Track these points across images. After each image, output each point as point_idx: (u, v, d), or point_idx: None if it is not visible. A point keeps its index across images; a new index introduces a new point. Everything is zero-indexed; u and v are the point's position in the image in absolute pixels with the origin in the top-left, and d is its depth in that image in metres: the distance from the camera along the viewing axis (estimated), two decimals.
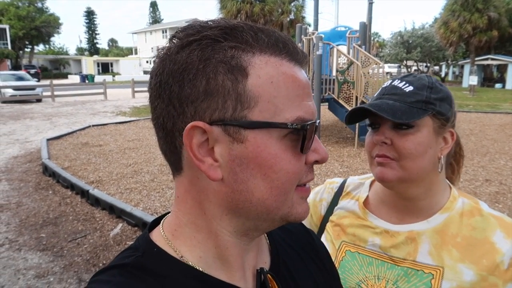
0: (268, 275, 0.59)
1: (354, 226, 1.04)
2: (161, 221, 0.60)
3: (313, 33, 9.17)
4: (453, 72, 40.10)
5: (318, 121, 0.54)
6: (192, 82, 0.49)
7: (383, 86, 0.98)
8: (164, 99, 0.51)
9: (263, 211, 0.52)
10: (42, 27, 43.84)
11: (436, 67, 40.18)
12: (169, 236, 0.56)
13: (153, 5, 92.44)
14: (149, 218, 4.38)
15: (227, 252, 0.55)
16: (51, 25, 44.88)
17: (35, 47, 49.48)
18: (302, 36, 9.24)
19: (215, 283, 0.54)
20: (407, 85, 0.93)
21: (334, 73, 8.97)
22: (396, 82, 0.95)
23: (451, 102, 0.97)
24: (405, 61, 36.12)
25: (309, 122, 0.51)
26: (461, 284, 0.89)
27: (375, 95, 0.99)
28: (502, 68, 30.77)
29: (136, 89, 21.50)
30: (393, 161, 0.91)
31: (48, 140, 8.94)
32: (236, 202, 0.52)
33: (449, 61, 37.00)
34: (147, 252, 0.55)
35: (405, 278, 0.93)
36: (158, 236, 0.57)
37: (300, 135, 0.51)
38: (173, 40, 0.52)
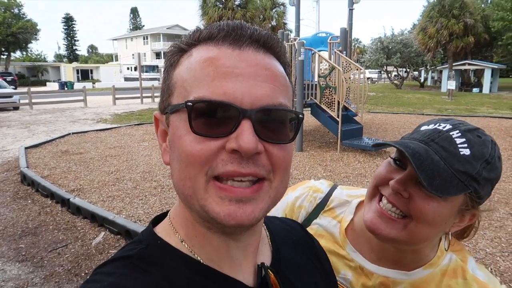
0: (269, 270, 0.59)
1: (329, 252, 0.91)
2: (168, 213, 0.62)
3: (295, 39, 9.26)
4: (432, 77, 41.03)
5: (269, 108, 0.49)
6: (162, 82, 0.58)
7: (437, 127, 0.80)
8: None
9: (182, 196, 0.52)
10: (19, 34, 42.88)
11: (416, 73, 41.04)
12: (175, 225, 0.58)
13: (134, 12, 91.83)
14: (132, 226, 4.31)
15: (210, 243, 0.55)
16: (29, 31, 43.94)
17: (12, 53, 48.33)
18: (284, 42, 9.31)
19: (215, 275, 0.54)
20: (465, 145, 0.76)
21: (316, 78, 9.06)
22: (454, 134, 0.77)
23: (495, 184, 0.81)
24: (385, 67, 36.76)
25: (198, 100, 0.48)
26: None
27: (421, 128, 0.82)
28: (479, 73, 31.66)
29: (117, 96, 21.20)
30: (399, 219, 0.79)
31: (26, 148, 8.72)
32: (174, 186, 0.54)
33: (428, 67, 37.84)
34: (151, 244, 0.56)
35: None
36: (163, 228, 0.59)
37: (197, 113, 0.48)
38: None
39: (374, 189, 0.84)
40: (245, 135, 0.47)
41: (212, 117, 0.48)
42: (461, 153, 0.75)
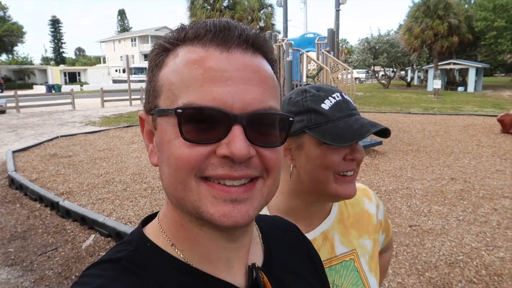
0: (260, 271, 0.58)
1: None
2: (158, 214, 0.61)
3: (283, 40, 9.33)
4: (418, 77, 41.49)
5: (262, 112, 0.49)
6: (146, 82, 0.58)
7: (338, 100, 0.92)
8: None
9: (173, 199, 0.52)
10: (5, 36, 42.33)
11: (402, 72, 41.48)
12: (163, 226, 0.57)
13: (121, 14, 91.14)
14: (123, 228, 4.31)
15: (201, 245, 0.54)
16: (14, 34, 43.43)
17: None
18: (272, 43, 9.37)
19: (205, 278, 0.54)
20: (350, 100, 0.95)
21: (304, 78, 9.13)
22: (346, 97, 0.94)
23: None
24: (372, 67, 37.10)
25: (187, 107, 0.48)
26: (369, 254, 1.04)
27: (326, 108, 0.91)
28: (464, 72, 32.11)
29: (105, 98, 21.06)
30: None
31: (14, 152, 8.63)
32: (164, 189, 0.54)
33: (414, 66, 38.29)
34: (140, 246, 0.55)
35: (337, 274, 0.99)
36: (152, 230, 0.58)
37: (187, 120, 0.48)
38: None
39: (333, 174, 0.91)
40: (237, 141, 0.47)
41: (202, 123, 0.47)
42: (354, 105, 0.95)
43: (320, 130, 0.89)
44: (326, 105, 0.91)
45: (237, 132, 0.47)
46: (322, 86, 0.96)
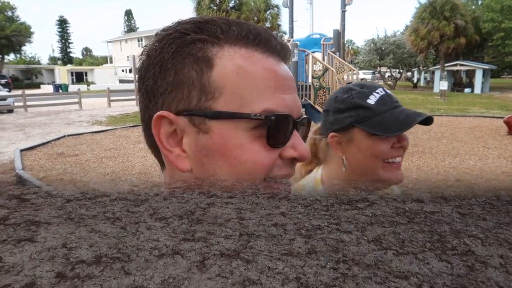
0: None
1: None
2: None
3: (288, 41, 9.35)
4: (425, 78, 41.30)
5: (304, 117, 0.55)
6: (162, 75, 0.51)
7: (382, 94, 1.02)
8: (143, 93, 0.54)
9: None
10: (13, 36, 42.66)
11: (409, 73, 41.28)
12: None
13: (128, 14, 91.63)
14: None
15: None
16: (22, 34, 43.74)
17: (6, 56, 48.10)
18: None
19: None
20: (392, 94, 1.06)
21: (310, 79, 9.16)
22: (389, 91, 1.04)
23: None
24: (378, 68, 36.97)
25: (277, 114, 0.50)
26: None
27: (371, 102, 1.00)
28: (471, 74, 31.91)
29: (112, 98, 21.18)
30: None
31: (21, 151, 8.71)
32: None
33: (420, 67, 38.10)
34: None
35: None
36: None
37: (272, 126, 0.50)
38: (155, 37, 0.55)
39: (382, 162, 1.01)
40: (301, 145, 0.52)
41: (278, 129, 0.50)
42: None
43: (369, 123, 0.99)
44: (372, 100, 1.01)
45: (298, 136, 0.53)
46: (365, 84, 1.06)
